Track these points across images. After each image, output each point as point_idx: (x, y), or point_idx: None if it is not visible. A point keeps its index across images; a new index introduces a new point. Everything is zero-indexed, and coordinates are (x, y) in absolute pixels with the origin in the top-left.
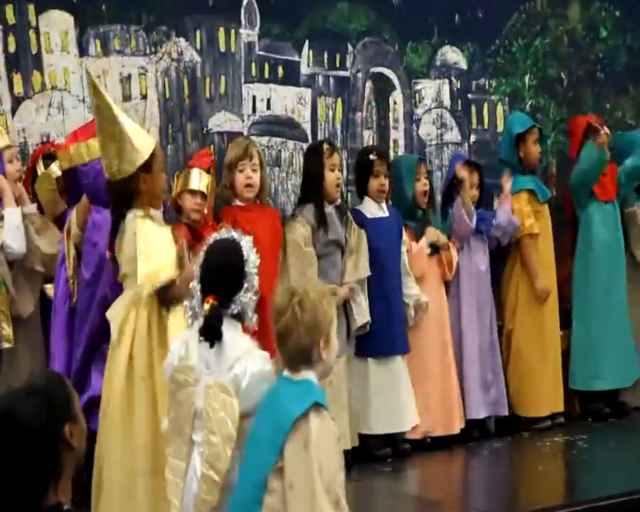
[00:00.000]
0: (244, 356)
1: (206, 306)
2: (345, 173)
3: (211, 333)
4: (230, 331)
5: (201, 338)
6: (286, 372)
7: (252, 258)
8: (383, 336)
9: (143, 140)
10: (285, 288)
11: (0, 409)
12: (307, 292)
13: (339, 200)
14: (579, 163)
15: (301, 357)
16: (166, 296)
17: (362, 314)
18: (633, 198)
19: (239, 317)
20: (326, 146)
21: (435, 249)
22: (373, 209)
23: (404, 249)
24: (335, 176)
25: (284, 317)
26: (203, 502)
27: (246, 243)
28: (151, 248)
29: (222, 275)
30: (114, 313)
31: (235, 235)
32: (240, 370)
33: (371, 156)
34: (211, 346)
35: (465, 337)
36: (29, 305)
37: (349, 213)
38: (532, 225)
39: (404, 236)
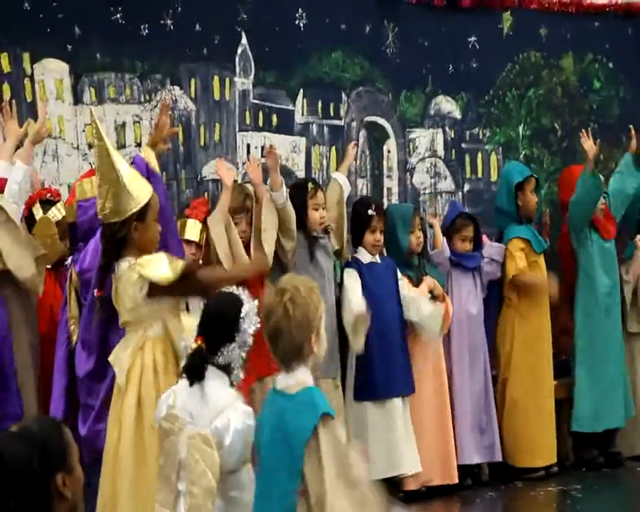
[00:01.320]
0: (226, 409)
1: (193, 346)
2: None
3: (192, 372)
4: (216, 381)
5: (183, 375)
6: (281, 379)
7: (250, 317)
8: (380, 378)
9: (139, 189)
10: (274, 287)
11: None
12: (297, 288)
13: (325, 237)
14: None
15: (294, 354)
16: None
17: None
18: (631, 247)
19: (227, 369)
20: (310, 185)
21: (432, 297)
22: (367, 257)
23: (404, 282)
24: (319, 215)
25: (276, 315)
26: None
27: (249, 303)
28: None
29: (213, 322)
30: (116, 358)
31: (241, 292)
32: (222, 424)
33: (370, 211)
34: (191, 385)
35: (456, 380)
36: (29, 268)
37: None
38: (523, 268)
39: (405, 280)
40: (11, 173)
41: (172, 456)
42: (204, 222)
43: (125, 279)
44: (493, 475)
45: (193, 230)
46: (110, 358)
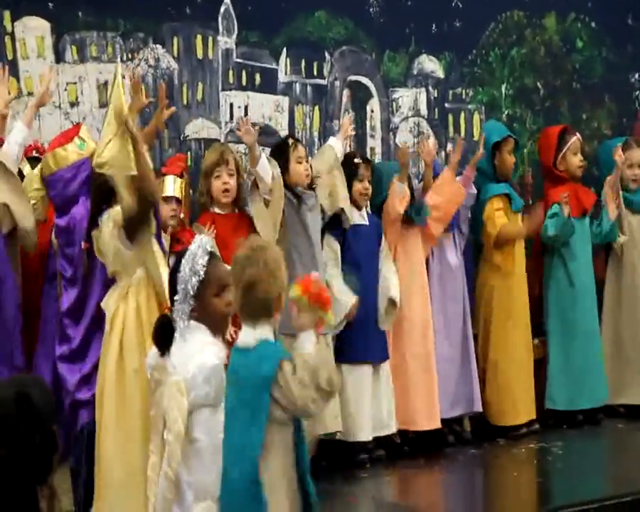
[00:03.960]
0: (195, 356)
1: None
2: None
3: (156, 340)
4: (195, 333)
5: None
6: (243, 336)
7: (188, 266)
8: (360, 342)
9: None
10: (248, 242)
11: (16, 391)
12: (270, 245)
13: (313, 195)
14: (545, 225)
15: (263, 308)
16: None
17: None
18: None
19: (204, 320)
20: (290, 140)
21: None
22: (355, 215)
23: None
24: (303, 167)
25: (253, 267)
26: (164, 499)
27: (192, 250)
28: None
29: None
30: (106, 304)
31: (194, 241)
32: (188, 371)
33: (356, 160)
34: (161, 355)
35: (436, 331)
36: (30, 219)
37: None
38: (505, 224)
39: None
40: (10, 134)
41: (160, 405)
42: (181, 176)
43: (104, 229)
44: (476, 433)
45: (171, 185)
46: (103, 303)
